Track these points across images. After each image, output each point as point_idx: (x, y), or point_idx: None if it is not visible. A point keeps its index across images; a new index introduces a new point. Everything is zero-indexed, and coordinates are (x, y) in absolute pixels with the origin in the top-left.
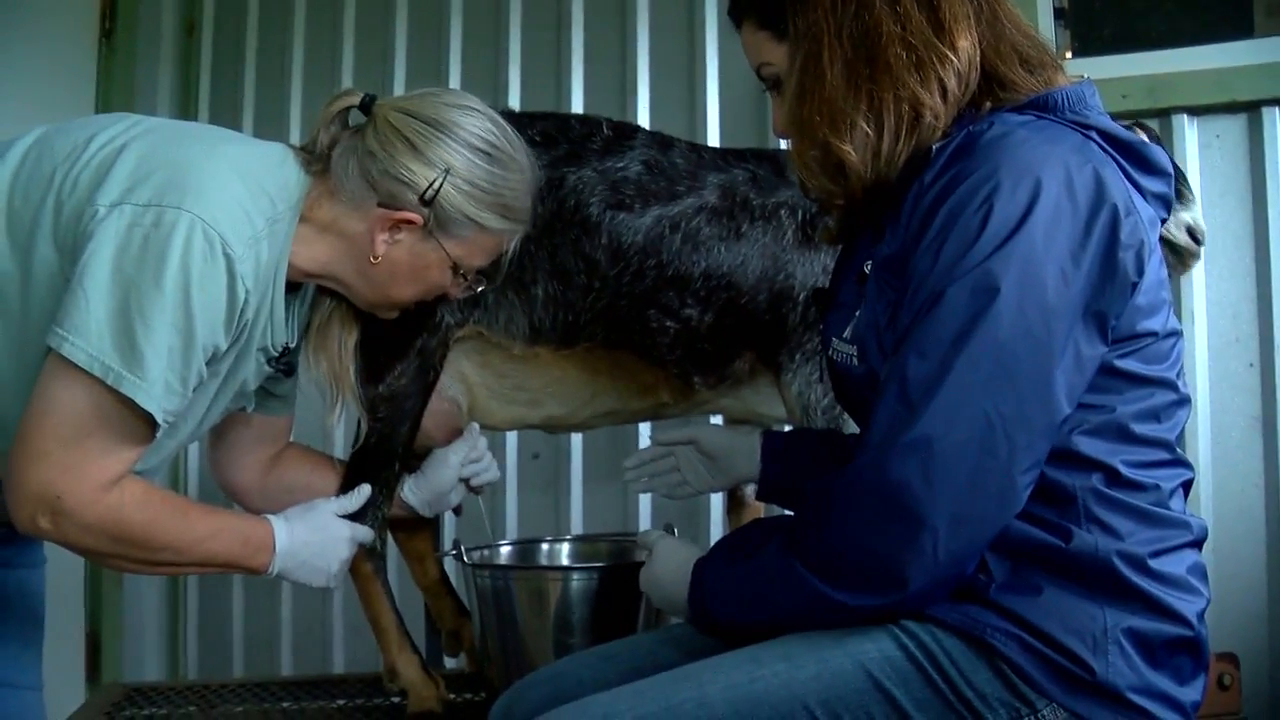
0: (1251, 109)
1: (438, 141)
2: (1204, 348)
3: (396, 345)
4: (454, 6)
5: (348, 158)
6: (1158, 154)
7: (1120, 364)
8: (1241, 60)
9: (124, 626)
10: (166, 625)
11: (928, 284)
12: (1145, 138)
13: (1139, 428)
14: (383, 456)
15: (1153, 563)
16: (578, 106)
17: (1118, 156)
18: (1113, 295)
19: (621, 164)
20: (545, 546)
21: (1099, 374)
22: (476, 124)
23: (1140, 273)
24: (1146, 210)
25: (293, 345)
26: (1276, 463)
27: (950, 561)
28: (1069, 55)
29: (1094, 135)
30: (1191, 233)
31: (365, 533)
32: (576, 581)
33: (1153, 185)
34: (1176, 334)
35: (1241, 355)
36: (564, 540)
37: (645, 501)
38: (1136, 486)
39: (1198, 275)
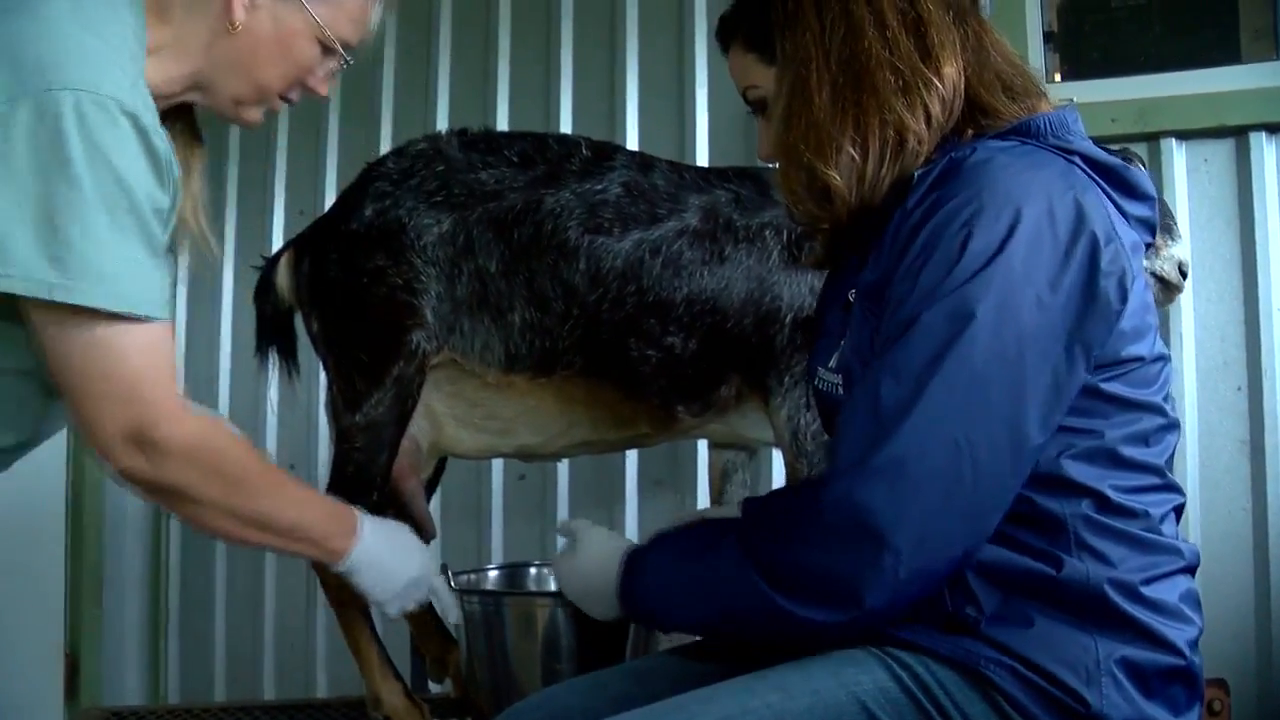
0: (1239, 133)
1: None
2: (1192, 371)
3: (373, 374)
4: (442, 25)
5: None
6: (1140, 177)
7: (1106, 387)
8: (1229, 85)
9: (103, 647)
10: (147, 646)
11: (905, 307)
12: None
13: (1128, 452)
14: (361, 486)
15: (1145, 590)
16: (566, 126)
17: (1101, 181)
18: (1094, 323)
19: (600, 186)
20: (533, 571)
21: (1086, 398)
22: None
23: (1123, 300)
24: (1129, 236)
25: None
26: (1265, 487)
27: (912, 581)
28: (1058, 78)
29: (1077, 160)
30: (1180, 268)
31: (445, 594)
32: (565, 607)
33: (1136, 209)
34: (1164, 358)
35: (1229, 379)
36: (551, 565)
37: (632, 524)
38: (1127, 512)
39: (1186, 299)
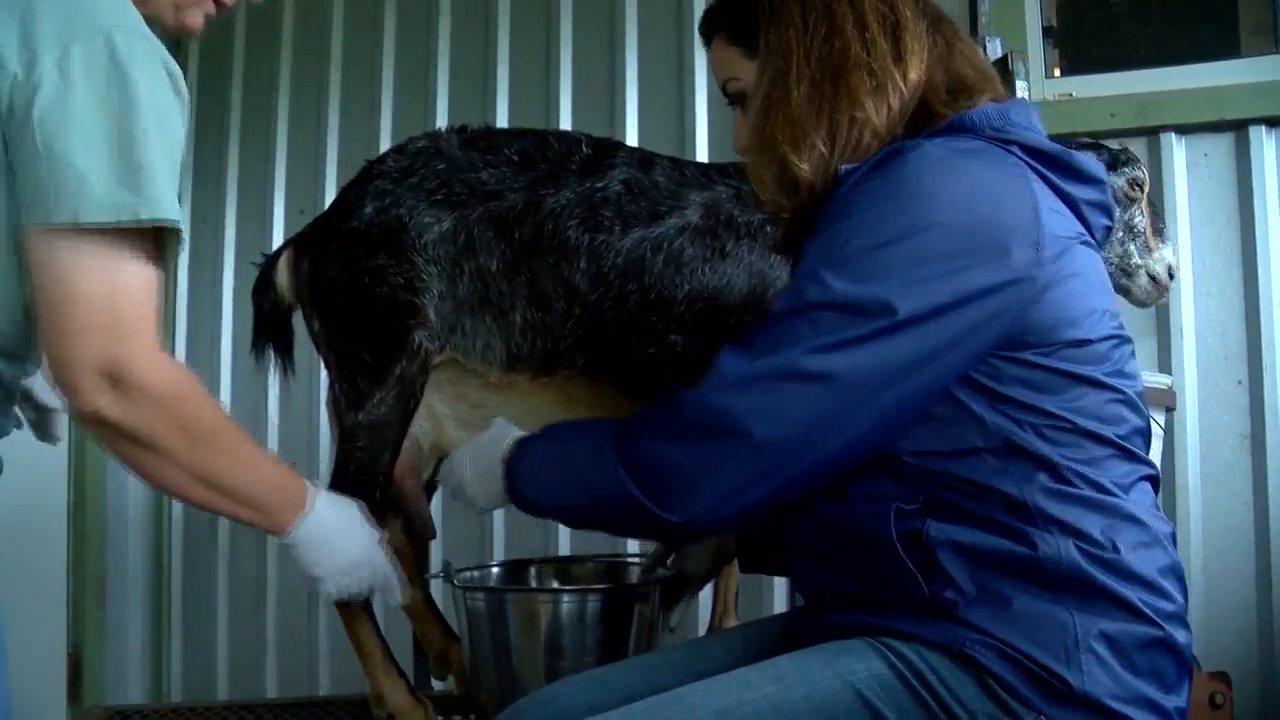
0: (1239, 128)
1: None
2: (1193, 366)
3: (375, 373)
4: (441, 23)
5: None
6: (1086, 162)
7: (1049, 363)
8: (1229, 79)
9: (106, 647)
10: (150, 645)
11: (804, 265)
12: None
13: (1080, 424)
14: (364, 486)
15: (1116, 559)
16: (566, 124)
17: (1041, 168)
18: (996, 311)
19: (601, 184)
20: (534, 568)
21: (1029, 373)
22: None
23: (1026, 298)
24: (1066, 226)
25: None
26: (1266, 480)
27: (747, 490)
28: (1057, 73)
29: (1015, 149)
30: (1169, 269)
31: (391, 578)
32: (568, 604)
33: (1084, 193)
34: (1117, 338)
35: (1230, 373)
36: (552, 561)
37: None
38: (1086, 482)
39: (1186, 294)
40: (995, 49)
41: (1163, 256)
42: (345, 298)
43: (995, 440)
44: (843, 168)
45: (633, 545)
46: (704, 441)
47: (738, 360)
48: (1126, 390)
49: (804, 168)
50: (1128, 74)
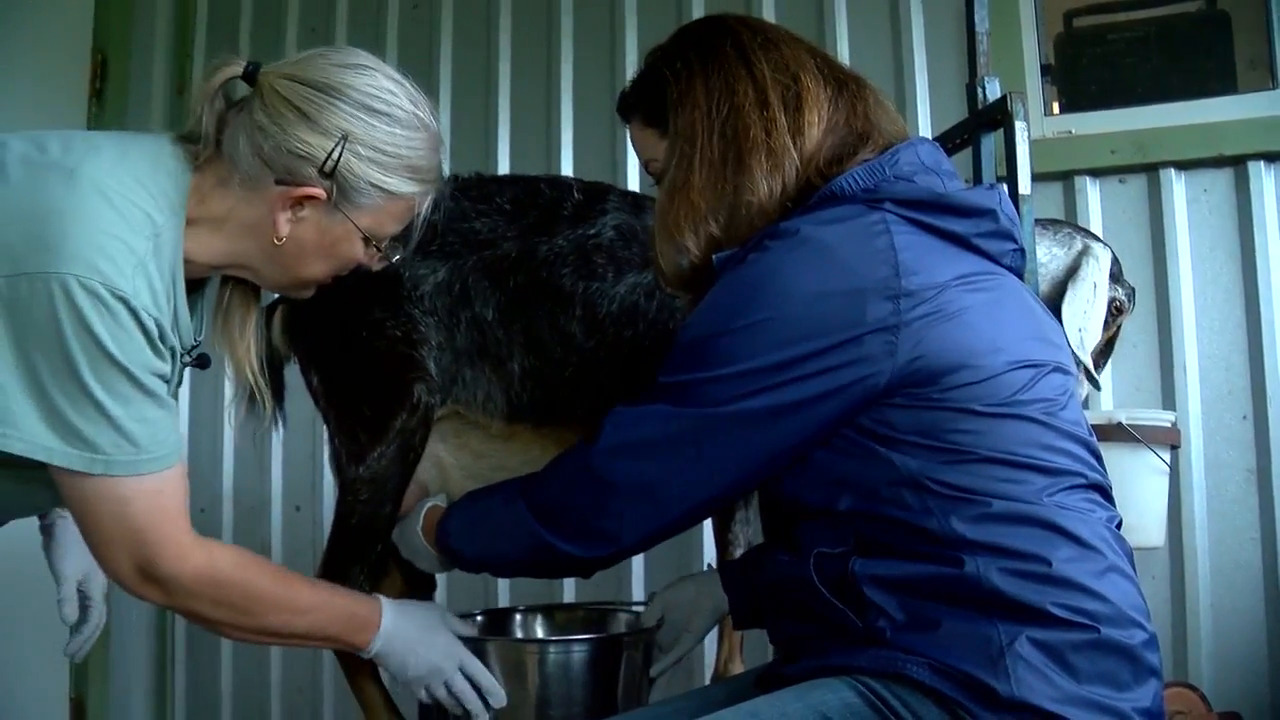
0: (1238, 163)
1: (330, 107)
2: (1197, 401)
3: (375, 428)
4: (443, 64)
5: (238, 136)
6: (968, 197)
7: (941, 402)
8: (1227, 115)
9: (110, 690)
10: (154, 689)
11: (684, 334)
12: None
13: (986, 453)
14: (367, 537)
15: (1040, 569)
16: (567, 160)
17: (918, 216)
18: (843, 372)
19: (593, 230)
20: (519, 616)
21: (925, 413)
22: (370, 83)
23: (892, 353)
24: (946, 269)
25: (200, 339)
26: (1273, 515)
27: (651, 537)
28: (1056, 110)
29: (886, 205)
30: (1093, 372)
31: (483, 676)
32: (553, 654)
33: (970, 227)
34: (1031, 365)
35: (1235, 408)
36: (538, 609)
37: (638, 567)
38: (1002, 501)
39: (1189, 329)
40: (994, 89)
41: (1092, 380)
42: (344, 352)
43: (906, 479)
44: (716, 258)
45: (639, 592)
46: (589, 490)
47: (607, 429)
48: (1034, 414)
49: (697, 253)
50: (1126, 111)
